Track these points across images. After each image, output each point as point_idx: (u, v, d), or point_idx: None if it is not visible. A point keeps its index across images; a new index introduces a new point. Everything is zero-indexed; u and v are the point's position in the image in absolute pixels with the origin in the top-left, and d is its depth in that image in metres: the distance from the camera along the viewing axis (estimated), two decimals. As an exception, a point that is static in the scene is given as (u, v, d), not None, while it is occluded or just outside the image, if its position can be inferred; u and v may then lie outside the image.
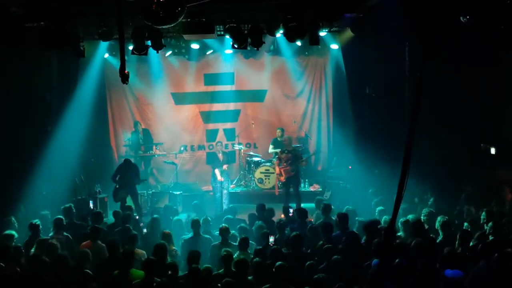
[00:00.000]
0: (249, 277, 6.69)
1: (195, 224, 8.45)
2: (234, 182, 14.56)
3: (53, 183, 11.85)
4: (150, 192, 13.49)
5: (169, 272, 6.83)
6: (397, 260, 6.43)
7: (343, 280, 6.34)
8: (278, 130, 14.01)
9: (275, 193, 13.41)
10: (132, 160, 12.92)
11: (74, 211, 9.62)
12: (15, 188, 11.32)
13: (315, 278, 6.28)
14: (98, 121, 13.96)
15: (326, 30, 11.83)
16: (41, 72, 12.00)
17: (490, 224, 7.70)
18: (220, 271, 7.01)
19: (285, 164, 12.48)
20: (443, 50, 9.78)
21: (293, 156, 12.42)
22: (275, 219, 9.55)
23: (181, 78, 14.84)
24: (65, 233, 8.63)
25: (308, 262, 6.93)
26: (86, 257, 7.23)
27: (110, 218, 10.67)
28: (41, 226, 8.64)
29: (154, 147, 14.31)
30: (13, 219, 8.95)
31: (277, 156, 12.89)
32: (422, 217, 8.74)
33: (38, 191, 11.52)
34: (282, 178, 12.60)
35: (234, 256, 7.29)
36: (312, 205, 10.90)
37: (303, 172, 13.78)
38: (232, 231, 8.40)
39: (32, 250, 7.84)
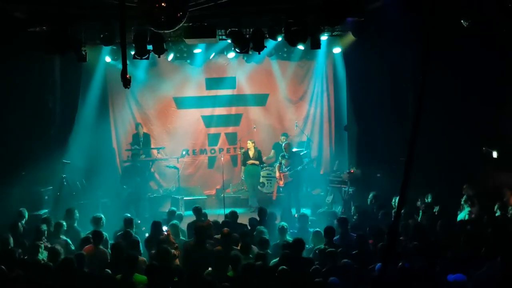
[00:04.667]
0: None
1: (198, 229, 8.40)
2: (235, 186, 14.62)
3: (55, 187, 11.89)
4: (152, 196, 13.50)
5: (175, 279, 6.83)
6: (400, 264, 6.44)
7: (348, 284, 6.35)
8: (282, 137, 14.04)
9: (276, 196, 13.47)
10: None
11: (77, 215, 9.64)
12: (17, 191, 11.37)
13: (317, 281, 6.30)
14: (100, 125, 13.96)
15: (328, 34, 11.85)
16: (43, 76, 12.04)
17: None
18: (229, 273, 7.02)
19: (285, 169, 12.52)
20: (444, 52, 9.77)
21: (292, 162, 12.45)
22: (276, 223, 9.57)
23: (183, 82, 14.82)
24: (63, 237, 8.64)
25: (314, 267, 6.93)
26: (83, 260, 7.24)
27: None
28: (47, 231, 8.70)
29: (155, 151, 14.32)
30: (19, 224, 9.01)
31: (279, 160, 12.94)
32: (423, 220, 8.74)
33: (41, 195, 11.55)
34: (281, 183, 12.68)
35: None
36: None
37: (305, 176, 13.78)
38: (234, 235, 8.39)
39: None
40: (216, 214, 12.00)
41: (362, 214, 9.62)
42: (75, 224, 9.50)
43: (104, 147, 14.25)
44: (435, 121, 10.38)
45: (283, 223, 8.97)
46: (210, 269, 7.42)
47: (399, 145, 10.36)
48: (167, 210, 10.63)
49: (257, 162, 13.78)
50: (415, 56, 11.19)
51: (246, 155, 13.88)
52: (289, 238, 8.52)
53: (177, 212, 10.23)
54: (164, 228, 8.71)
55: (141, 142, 14.04)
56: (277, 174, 12.93)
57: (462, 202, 9.62)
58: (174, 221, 9.25)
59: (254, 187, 13.77)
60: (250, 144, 13.81)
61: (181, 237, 8.97)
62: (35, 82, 11.75)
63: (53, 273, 6.90)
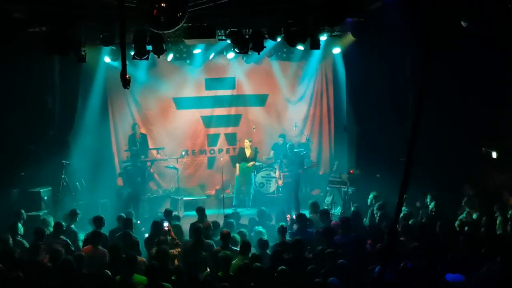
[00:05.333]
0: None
1: (196, 230, 8.42)
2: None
3: (55, 188, 11.89)
4: (152, 197, 13.49)
5: (173, 277, 6.83)
6: (402, 264, 6.43)
7: (347, 284, 6.34)
8: (280, 138, 14.04)
9: (275, 196, 13.47)
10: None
11: (79, 216, 9.65)
12: (17, 191, 11.36)
13: (316, 281, 6.29)
14: (100, 125, 13.96)
15: (327, 35, 11.85)
16: (43, 76, 12.04)
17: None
18: (219, 273, 7.02)
19: (285, 169, 12.52)
20: (444, 52, 9.77)
21: (293, 162, 12.44)
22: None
23: (183, 82, 14.82)
24: (63, 238, 8.64)
25: (310, 267, 6.93)
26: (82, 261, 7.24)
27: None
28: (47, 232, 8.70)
29: (155, 151, 14.30)
30: (19, 225, 9.00)
31: (280, 159, 12.95)
32: (423, 221, 8.73)
33: (40, 195, 11.55)
34: (280, 182, 12.70)
35: (233, 262, 7.28)
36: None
37: (305, 177, 13.77)
38: (233, 235, 8.39)
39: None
40: (216, 214, 12.00)
41: (356, 214, 9.60)
42: (73, 225, 9.50)
43: (104, 148, 14.26)
44: (435, 121, 10.38)
45: (283, 223, 8.97)
46: (208, 270, 7.43)
47: (399, 145, 10.35)
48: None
49: (254, 163, 13.80)
50: (415, 56, 11.20)
51: (242, 154, 13.86)
52: (288, 238, 8.51)
53: (174, 213, 10.23)
54: (165, 223, 8.68)
55: (138, 142, 13.98)
56: (277, 173, 12.94)
57: (463, 203, 9.62)
58: (176, 222, 9.27)
59: (248, 186, 13.76)
60: (247, 143, 13.81)
61: (183, 238, 8.98)
62: (35, 82, 11.75)
63: (52, 274, 6.89)
